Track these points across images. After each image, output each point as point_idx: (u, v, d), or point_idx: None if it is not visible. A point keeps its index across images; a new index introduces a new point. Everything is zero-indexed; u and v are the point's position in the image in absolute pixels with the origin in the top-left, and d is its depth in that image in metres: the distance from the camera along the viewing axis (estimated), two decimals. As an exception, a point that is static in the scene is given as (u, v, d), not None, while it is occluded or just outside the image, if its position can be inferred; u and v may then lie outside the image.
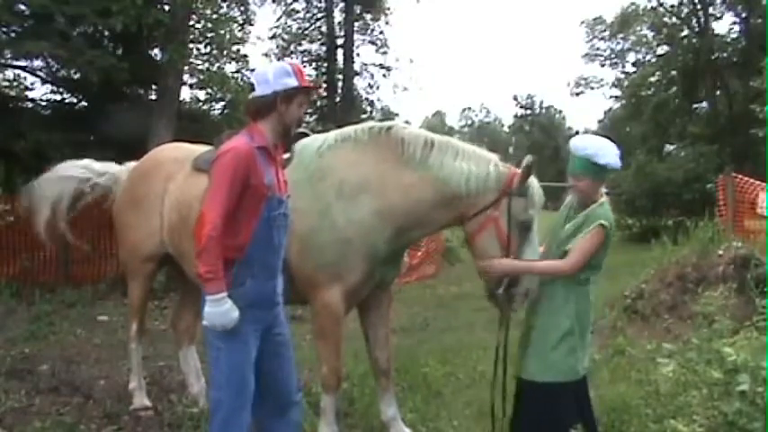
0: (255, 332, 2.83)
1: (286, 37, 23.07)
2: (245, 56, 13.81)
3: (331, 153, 3.59)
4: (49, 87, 12.05)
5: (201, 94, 13.55)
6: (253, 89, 2.93)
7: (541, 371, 3.18)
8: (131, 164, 4.69)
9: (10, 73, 12.03)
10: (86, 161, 4.79)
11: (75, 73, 10.94)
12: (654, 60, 26.09)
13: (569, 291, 3.18)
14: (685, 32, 23.92)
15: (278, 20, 23.00)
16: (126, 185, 4.53)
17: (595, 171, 3.23)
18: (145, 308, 4.65)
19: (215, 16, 12.54)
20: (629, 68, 29.37)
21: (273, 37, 22.89)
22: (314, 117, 20.89)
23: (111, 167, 4.77)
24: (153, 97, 11.93)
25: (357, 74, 22.92)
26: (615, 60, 30.44)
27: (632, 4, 26.46)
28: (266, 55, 22.70)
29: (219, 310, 2.67)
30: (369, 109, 23.26)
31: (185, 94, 13.08)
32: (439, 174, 3.42)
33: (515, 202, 3.28)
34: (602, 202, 3.27)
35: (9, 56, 10.44)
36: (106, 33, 10.70)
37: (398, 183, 3.47)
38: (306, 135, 3.78)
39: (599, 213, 3.21)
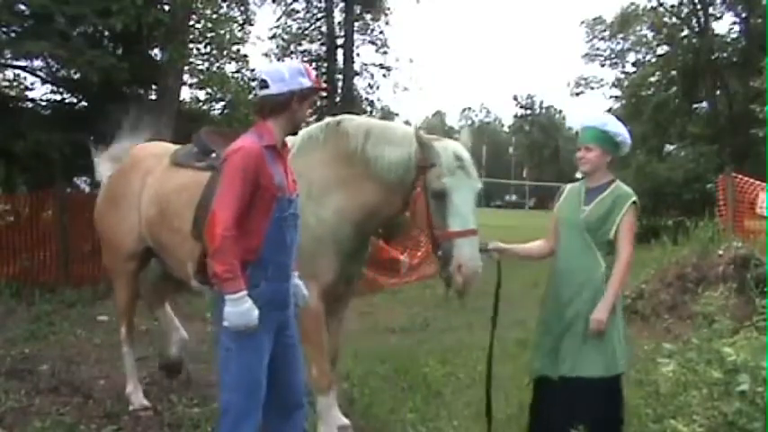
0: (269, 333, 2.79)
1: (286, 37, 23.00)
2: (245, 56, 13.80)
3: (299, 153, 3.60)
4: (49, 87, 12.00)
5: (201, 94, 13.50)
6: (256, 88, 2.91)
7: (606, 366, 3.12)
8: None
9: (10, 73, 11.99)
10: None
11: (75, 73, 10.90)
12: (654, 60, 26.01)
13: (607, 275, 3.18)
14: (685, 32, 23.87)
15: (278, 20, 22.95)
16: (106, 186, 4.53)
17: (605, 141, 3.22)
18: (133, 309, 4.59)
19: (215, 16, 12.51)
20: (629, 68, 29.26)
21: (273, 37, 22.84)
22: (314, 117, 20.81)
23: None
24: (153, 97, 11.91)
25: (357, 74, 22.85)
26: (615, 60, 30.31)
27: (632, 4, 26.38)
28: (266, 55, 22.65)
29: (240, 309, 2.63)
30: (369, 109, 23.19)
31: (185, 93, 13.05)
32: (374, 169, 3.50)
33: (431, 173, 3.30)
34: (617, 182, 3.27)
35: (9, 56, 10.39)
36: (106, 33, 10.66)
37: (349, 179, 3.56)
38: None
39: (626, 192, 3.21)
